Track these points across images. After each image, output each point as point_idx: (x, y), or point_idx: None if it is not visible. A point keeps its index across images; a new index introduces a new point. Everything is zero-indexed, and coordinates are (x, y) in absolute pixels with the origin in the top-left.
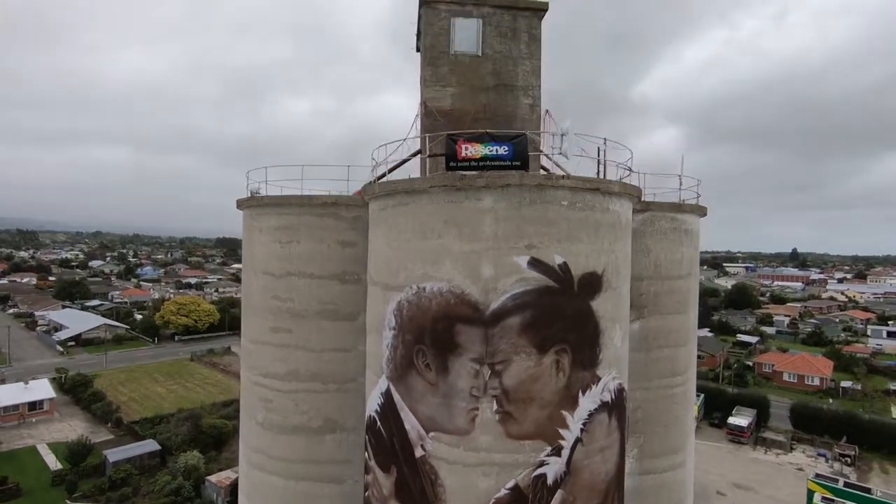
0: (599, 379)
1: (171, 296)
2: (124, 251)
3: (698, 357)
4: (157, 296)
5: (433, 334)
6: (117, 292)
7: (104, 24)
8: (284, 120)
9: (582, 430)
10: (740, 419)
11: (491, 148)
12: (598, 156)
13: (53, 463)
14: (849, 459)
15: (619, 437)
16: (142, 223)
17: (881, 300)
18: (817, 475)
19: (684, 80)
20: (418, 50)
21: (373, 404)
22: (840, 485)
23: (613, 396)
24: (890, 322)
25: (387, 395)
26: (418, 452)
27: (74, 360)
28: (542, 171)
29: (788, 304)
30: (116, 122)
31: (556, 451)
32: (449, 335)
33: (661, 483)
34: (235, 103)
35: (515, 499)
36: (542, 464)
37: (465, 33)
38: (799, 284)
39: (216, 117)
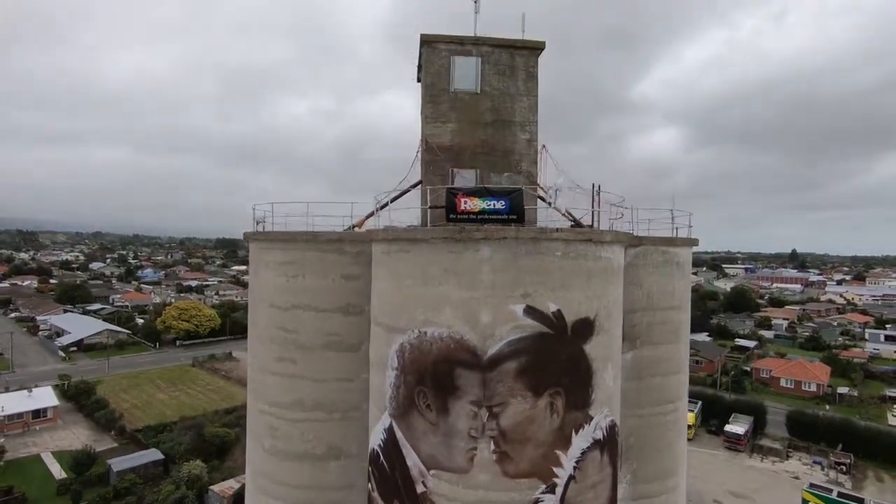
0: (592, 418)
1: (172, 300)
2: (124, 252)
3: (696, 362)
4: (158, 300)
5: (434, 377)
6: (118, 295)
7: (103, 24)
8: (284, 120)
9: (575, 467)
10: (737, 427)
11: (489, 202)
12: (591, 203)
13: (58, 472)
14: (844, 468)
15: (611, 472)
16: (141, 223)
17: (879, 303)
18: (811, 485)
19: (684, 79)
20: (419, 80)
21: (376, 438)
22: (834, 495)
23: (605, 433)
24: (888, 326)
25: (389, 431)
26: (419, 489)
27: (77, 365)
28: (538, 196)
29: (787, 308)
30: (116, 122)
31: (551, 489)
32: (449, 378)
33: None
34: (235, 103)
35: None
36: (537, 501)
37: (465, 71)
38: (798, 287)
39: (216, 117)
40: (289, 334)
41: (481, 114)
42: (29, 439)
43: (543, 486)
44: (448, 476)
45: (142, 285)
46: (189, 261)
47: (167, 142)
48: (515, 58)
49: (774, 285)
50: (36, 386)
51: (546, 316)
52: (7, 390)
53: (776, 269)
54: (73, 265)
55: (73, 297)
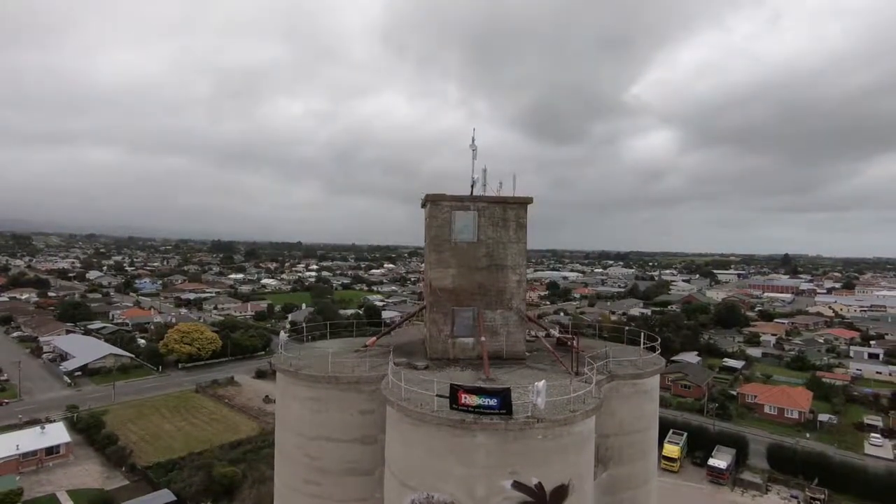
0: None
1: (173, 318)
2: (120, 258)
3: (685, 387)
4: (159, 318)
5: None
6: (118, 311)
7: (95, 24)
8: (278, 121)
9: None
10: (720, 461)
11: (483, 399)
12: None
13: None
14: (819, 502)
15: None
16: (136, 225)
17: (866, 315)
18: None
19: (678, 82)
20: (422, 206)
21: None
22: None
23: None
24: (872, 343)
25: None
26: None
27: (82, 392)
28: (532, 325)
29: (776, 322)
30: (109, 123)
31: None
32: None
33: None
34: (228, 104)
35: None
36: None
37: (464, 224)
38: (788, 296)
39: (209, 118)
40: (313, 461)
41: (478, 259)
42: (43, 477)
43: None
44: None
45: (140, 297)
46: (186, 268)
47: (160, 142)
48: (507, 211)
49: (766, 294)
50: (48, 421)
51: (529, 488)
52: (20, 422)
53: (768, 274)
54: (70, 274)
55: (74, 316)
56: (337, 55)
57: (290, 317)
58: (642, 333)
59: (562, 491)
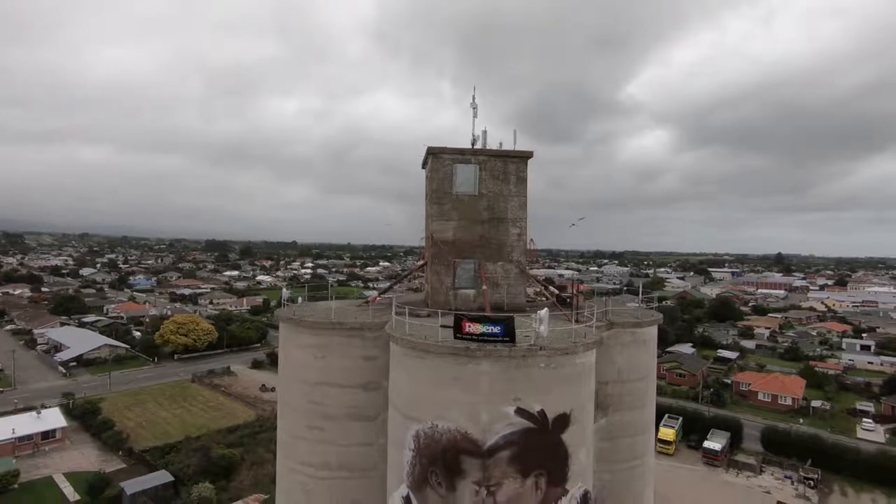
0: (568, 491)
1: (169, 311)
2: (114, 256)
3: (680, 375)
4: (154, 311)
5: (443, 461)
6: (112, 305)
7: (85, 21)
8: (271, 120)
9: None
10: (715, 443)
11: (487, 327)
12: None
13: (71, 494)
14: (812, 482)
15: None
16: (129, 224)
17: (858, 310)
18: (778, 503)
19: (672, 82)
20: (423, 167)
21: (395, 503)
22: None
23: (579, 501)
24: (864, 335)
25: (407, 499)
26: None
27: (78, 382)
28: (529, 275)
29: (769, 316)
30: (100, 121)
31: None
32: (455, 463)
33: None
34: (221, 102)
35: None
36: None
37: (465, 177)
38: (781, 292)
39: (202, 116)
40: (317, 406)
41: (479, 212)
42: (40, 461)
43: None
44: None
45: (134, 293)
46: (180, 265)
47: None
48: (508, 165)
49: (759, 291)
50: (44, 406)
51: (532, 415)
52: (16, 408)
53: (762, 272)
54: (64, 271)
55: (69, 309)
56: (330, 53)
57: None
58: (640, 286)
59: (563, 419)
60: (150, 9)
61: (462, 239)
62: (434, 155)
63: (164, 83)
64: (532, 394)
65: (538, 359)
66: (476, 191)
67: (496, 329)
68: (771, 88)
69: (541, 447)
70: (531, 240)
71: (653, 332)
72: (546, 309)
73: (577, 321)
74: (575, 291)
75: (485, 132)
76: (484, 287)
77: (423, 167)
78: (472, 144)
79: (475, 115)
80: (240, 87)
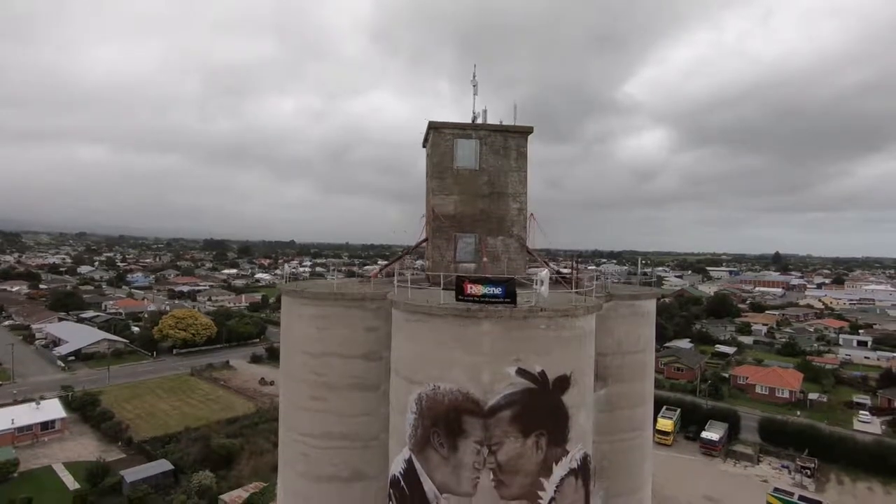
0: (568, 452)
1: (167, 307)
2: (111, 255)
3: (678, 370)
4: (153, 307)
5: (446, 422)
6: (111, 302)
7: (81, 19)
8: (269, 119)
9: (556, 491)
10: (712, 433)
11: (489, 288)
12: (572, 270)
13: (71, 483)
14: (809, 471)
15: (584, 494)
16: (127, 224)
17: (856, 307)
18: (776, 489)
19: (670, 81)
20: (423, 146)
21: (397, 467)
22: (795, 498)
23: (579, 463)
24: (861, 331)
25: (409, 462)
26: None
27: (76, 375)
28: (527, 249)
29: (767, 312)
30: (97, 120)
31: None
32: (457, 423)
33: None
34: (218, 101)
35: None
36: None
37: (466, 151)
38: (779, 290)
39: (199, 116)
40: (319, 377)
41: (480, 187)
42: (39, 451)
43: None
44: (457, 499)
45: (133, 290)
46: (179, 264)
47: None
48: (508, 140)
49: (757, 289)
50: (42, 398)
51: (533, 375)
52: (15, 401)
53: (760, 271)
54: (61, 269)
55: (67, 305)
56: (328, 53)
57: (289, 267)
58: (640, 260)
59: (564, 381)
60: (149, 8)
61: (463, 213)
62: (435, 129)
63: (162, 82)
64: (533, 354)
65: (539, 320)
66: (477, 165)
67: (497, 290)
68: (769, 88)
69: (541, 407)
70: (531, 214)
71: (651, 305)
72: (546, 270)
73: (576, 292)
74: (575, 263)
75: (485, 111)
76: (484, 259)
77: (424, 145)
78: (473, 121)
79: (475, 93)
80: (238, 86)
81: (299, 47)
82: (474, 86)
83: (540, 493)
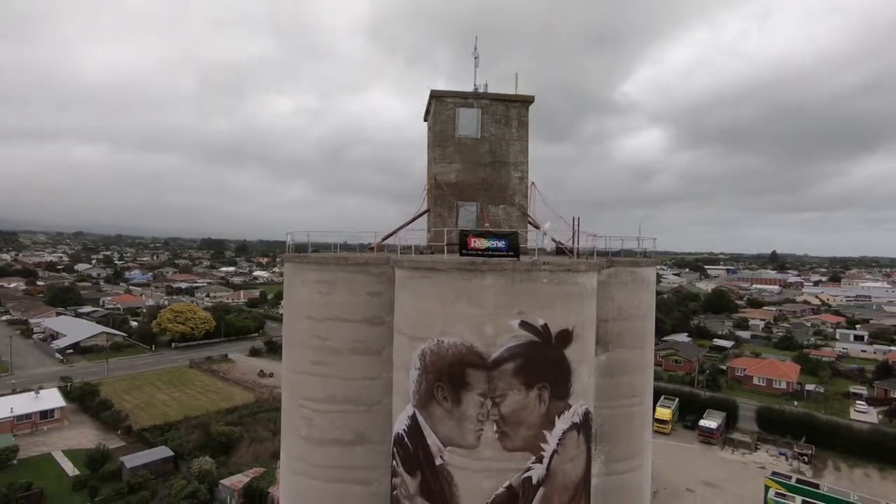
0: (570, 406)
1: (165, 302)
2: (109, 253)
3: (676, 362)
4: (151, 302)
5: (449, 375)
6: (109, 298)
7: (76, 17)
8: (266, 118)
9: (558, 444)
10: (710, 422)
11: (492, 242)
12: (573, 232)
13: (70, 469)
14: (806, 458)
15: (585, 449)
16: (124, 223)
17: (852, 304)
18: (774, 473)
19: (668, 81)
20: (425, 120)
21: (400, 424)
22: (793, 481)
23: (581, 418)
24: (858, 326)
25: (413, 418)
26: (438, 461)
27: (75, 368)
28: (528, 223)
29: (764, 308)
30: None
31: (539, 460)
32: (461, 376)
33: (623, 483)
34: (216, 101)
35: (510, 495)
36: (528, 469)
37: (468, 120)
38: (776, 288)
39: (196, 115)
40: (323, 341)
41: (481, 156)
42: (38, 439)
43: (534, 458)
44: (460, 451)
45: (130, 287)
46: (176, 262)
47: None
48: (510, 109)
49: (754, 286)
50: (42, 388)
51: (536, 328)
52: (14, 391)
53: (757, 270)
54: (59, 266)
55: (64, 300)
56: (324, 52)
57: (290, 237)
58: (639, 227)
59: (566, 335)
60: (144, 6)
61: (465, 181)
62: (437, 98)
63: (158, 81)
64: (535, 308)
65: (542, 273)
66: (478, 134)
67: (501, 244)
68: (766, 88)
69: (544, 360)
70: (533, 183)
71: (652, 273)
72: (549, 223)
73: (577, 257)
74: (575, 227)
75: (486, 84)
76: (486, 225)
77: (426, 119)
78: (475, 90)
79: (476, 65)
80: (235, 85)
81: (297, 46)
82: (475, 58)
83: (542, 446)
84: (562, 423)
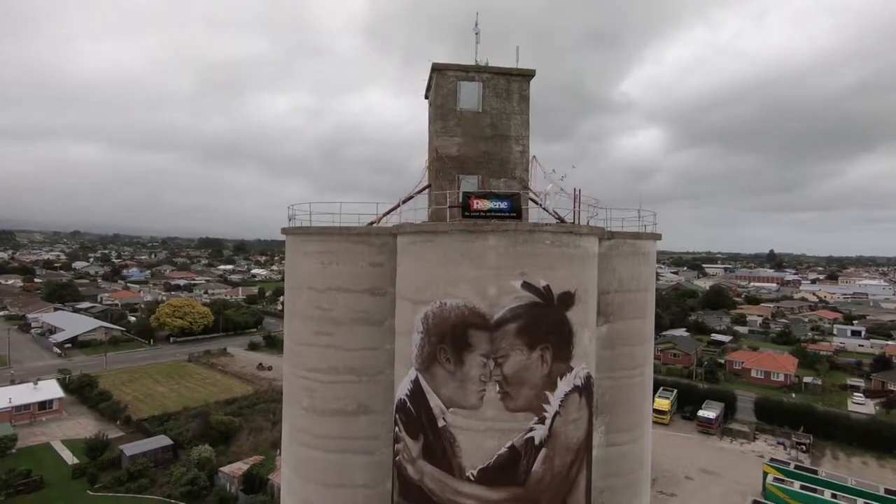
0: (572, 369)
1: (164, 298)
2: (106, 251)
3: (674, 356)
4: (149, 297)
5: (452, 337)
6: (107, 294)
7: (72, 15)
8: (264, 118)
9: (560, 405)
10: (709, 412)
11: (495, 203)
12: (574, 202)
13: (70, 458)
14: (804, 447)
15: (587, 412)
16: (121, 223)
17: (850, 301)
18: (772, 459)
19: (666, 80)
20: (426, 97)
21: (403, 390)
22: (791, 467)
23: (583, 382)
24: (855, 322)
25: (415, 382)
26: (440, 423)
27: (73, 361)
28: (530, 198)
29: (762, 305)
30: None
31: (541, 421)
32: (464, 337)
33: (623, 453)
34: (212, 99)
35: (512, 455)
36: (531, 430)
37: (469, 94)
38: (773, 285)
39: (193, 114)
40: (325, 312)
41: (482, 129)
42: (37, 429)
43: (536, 419)
44: (463, 412)
45: (128, 284)
46: (174, 260)
47: (144, 139)
48: (511, 82)
49: (752, 284)
50: (40, 379)
51: (538, 289)
52: (12, 382)
53: (754, 269)
54: (56, 264)
55: (62, 296)
56: (321, 51)
57: (291, 208)
58: (640, 201)
59: (568, 297)
60: (139, 5)
61: (466, 154)
62: (439, 71)
63: (155, 80)
64: (538, 269)
65: (544, 235)
66: (480, 108)
67: (503, 205)
68: (763, 87)
69: (546, 321)
70: (534, 157)
71: (652, 246)
72: (551, 185)
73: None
74: (576, 196)
75: (487, 61)
76: None
77: (426, 97)
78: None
79: (478, 41)
80: (232, 84)
81: (293, 45)
82: (476, 33)
83: (545, 406)
84: (564, 385)
